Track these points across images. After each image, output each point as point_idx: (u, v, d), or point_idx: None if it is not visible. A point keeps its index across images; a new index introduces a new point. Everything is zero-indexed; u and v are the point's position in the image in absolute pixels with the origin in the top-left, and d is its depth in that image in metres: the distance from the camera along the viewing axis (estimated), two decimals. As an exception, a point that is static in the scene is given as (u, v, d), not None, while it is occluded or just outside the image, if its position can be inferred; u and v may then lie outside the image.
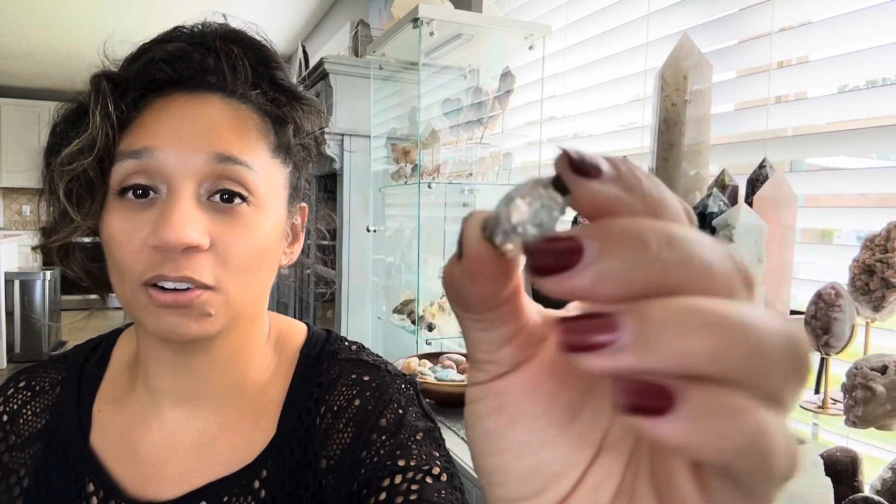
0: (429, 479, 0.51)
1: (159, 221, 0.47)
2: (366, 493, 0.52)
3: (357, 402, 0.57)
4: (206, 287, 0.48)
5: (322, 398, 0.58)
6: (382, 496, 0.51)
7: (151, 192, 0.49)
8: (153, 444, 0.56)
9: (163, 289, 0.47)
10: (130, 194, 0.49)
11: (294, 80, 0.58)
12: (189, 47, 0.52)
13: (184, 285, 0.47)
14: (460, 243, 0.18)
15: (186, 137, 0.49)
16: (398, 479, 0.51)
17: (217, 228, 0.49)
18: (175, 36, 0.54)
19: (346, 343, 0.63)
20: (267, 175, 0.53)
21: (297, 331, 0.63)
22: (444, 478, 0.52)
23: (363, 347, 0.64)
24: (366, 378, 0.58)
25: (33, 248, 0.66)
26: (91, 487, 0.55)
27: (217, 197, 0.50)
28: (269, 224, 0.53)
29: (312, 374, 0.59)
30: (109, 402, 0.59)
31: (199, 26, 0.55)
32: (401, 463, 0.53)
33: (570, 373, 0.20)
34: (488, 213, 0.17)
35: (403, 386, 0.59)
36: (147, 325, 0.49)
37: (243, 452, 0.56)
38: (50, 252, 0.54)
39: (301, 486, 0.55)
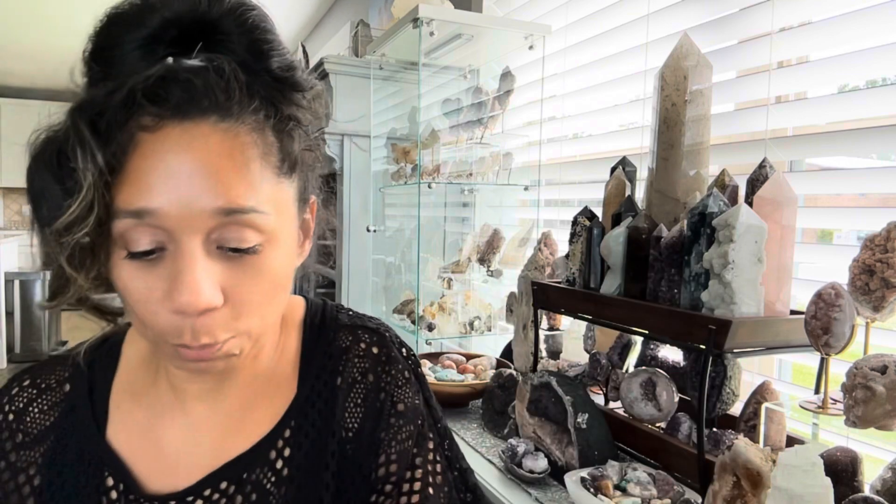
0: (439, 479, 0.56)
1: (173, 284, 0.45)
2: (381, 488, 0.57)
3: (371, 378, 0.60)
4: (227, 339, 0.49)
5: (336, 368, 0.61)
6: (403, 500, 0.56)
7: (158, 250, 0.46)
8: (177, 438, 0.57)
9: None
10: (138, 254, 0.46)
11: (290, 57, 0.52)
12: (172, 71, 0.45)
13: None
14: None
15: (186, 188, 0.44)
16: (419, 473, 0.57)
17: (230, 278, 0.47)
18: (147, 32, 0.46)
19: (344, 309, 0.67)
20: (276, 204, 0.49)
21: (296, 305, 0.66)
22: (454, 473, 0.57)
23: (357, 312, 0.67)
24: (374, 350, 0.62)
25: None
26: (111, 482, 0.55)
27: (227, 247, 0.47)
28: (283, 252, 0.51)
29: (320, 344, 0.62)
30: (127, 396, 0.59)
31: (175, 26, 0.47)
32: (418, 461, 0.58)
33: None
34: None
35: (408, 359, 0.64)
36: (172, 365, 0.51)
37: (264, 426, 0.58)
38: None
39: (327, 452, 0.57)
